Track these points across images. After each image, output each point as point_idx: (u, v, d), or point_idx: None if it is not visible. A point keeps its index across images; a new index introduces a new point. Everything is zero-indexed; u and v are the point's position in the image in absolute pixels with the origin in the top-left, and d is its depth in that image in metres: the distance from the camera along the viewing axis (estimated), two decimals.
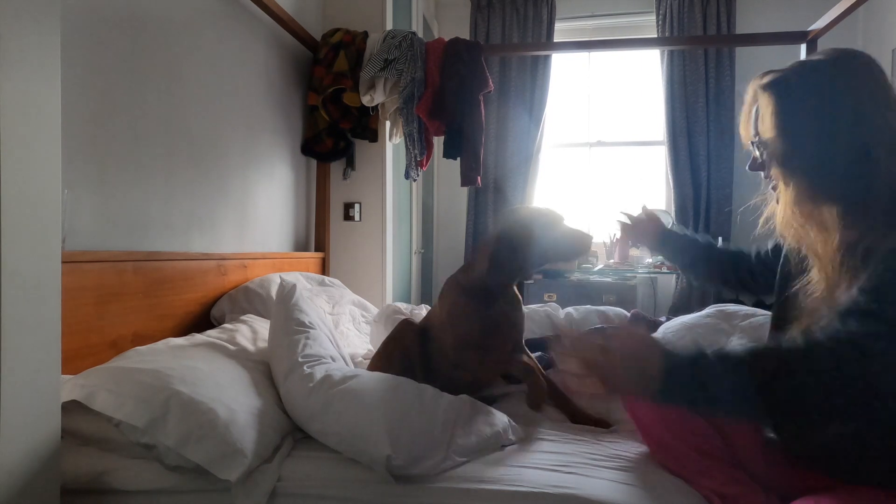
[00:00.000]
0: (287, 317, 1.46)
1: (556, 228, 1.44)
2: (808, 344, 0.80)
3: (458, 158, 2.58)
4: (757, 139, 0.98)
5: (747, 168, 1.03)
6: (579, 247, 1.44)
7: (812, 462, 0.98)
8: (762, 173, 1.01)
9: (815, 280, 0.92)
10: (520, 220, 1.46)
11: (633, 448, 1.26)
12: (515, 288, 1.57)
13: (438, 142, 2.88)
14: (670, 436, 1.13)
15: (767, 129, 0.94)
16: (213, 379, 1.23)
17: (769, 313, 1.29)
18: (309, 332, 1.44)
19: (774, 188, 0.99)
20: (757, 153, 1.00)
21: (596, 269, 3.47)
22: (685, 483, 1.10)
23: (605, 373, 0.84)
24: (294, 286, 1.56)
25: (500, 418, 1.31)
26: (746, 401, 0.80)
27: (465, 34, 3.82)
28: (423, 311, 2.21)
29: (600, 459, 1.19)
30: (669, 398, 0.84)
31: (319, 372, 1.30)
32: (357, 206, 2.86)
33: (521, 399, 1.48)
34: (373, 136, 2.72)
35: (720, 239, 3.58)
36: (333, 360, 1.42)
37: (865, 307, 0.78)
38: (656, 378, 0.81)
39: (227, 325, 1.69)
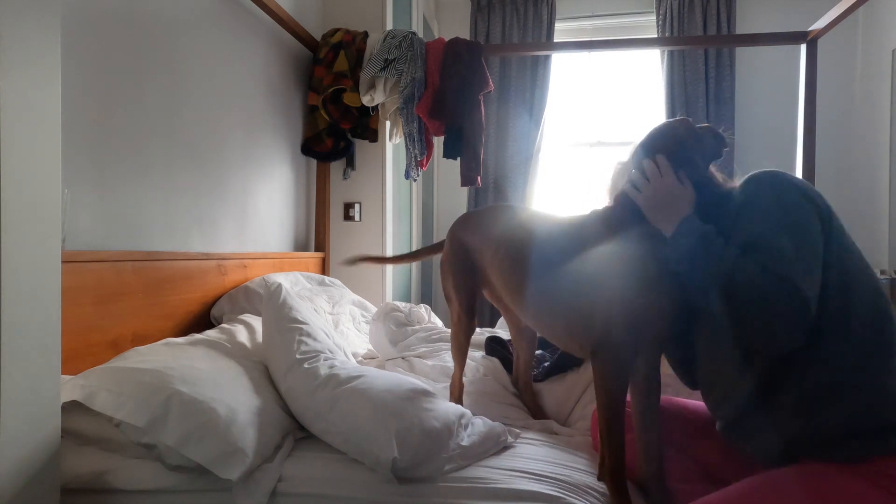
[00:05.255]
0: (278, 315, 1.46)
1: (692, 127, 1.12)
2: None
3: (458, 158, 2.58)
4: None
5: None
6: (720, 143, 1.11)
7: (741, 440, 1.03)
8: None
9: None
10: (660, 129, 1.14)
11: None
12: None
13: (438, 142, 2.88)
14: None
15: None
16: (213, 378, 1.23)
17: None
18: (301, 327, 1.43)
19: None
20: None
21: None
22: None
23: (649, 197, 1.06)
24: (280, 285, 1.56)
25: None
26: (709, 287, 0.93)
27: (465, 34, 3.82)
28: (421, 309, 2.21)
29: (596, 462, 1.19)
30: (675, 241, 1.01)
31: (323, 369, 1.30)
32: (357, 206, 2.86)
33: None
34: (373, 136, 2.72)
35: None
36: (332, 352, 1.42)
37: None
38: (675, 221, 1.01)
39: (224, 325, 1.69)
